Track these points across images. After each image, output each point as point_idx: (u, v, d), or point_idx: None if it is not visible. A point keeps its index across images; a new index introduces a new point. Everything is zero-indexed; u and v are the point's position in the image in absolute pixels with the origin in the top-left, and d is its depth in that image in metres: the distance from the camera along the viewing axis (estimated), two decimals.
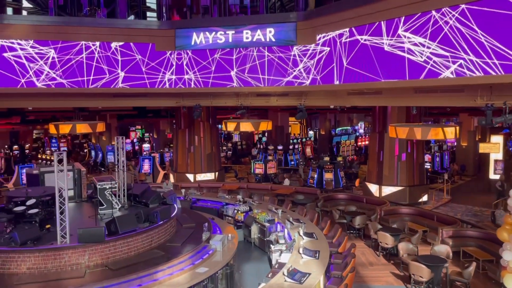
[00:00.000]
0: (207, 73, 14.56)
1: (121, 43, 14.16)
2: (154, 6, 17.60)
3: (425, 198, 16.92)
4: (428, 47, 9.46)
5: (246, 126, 15.52)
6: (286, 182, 18.89)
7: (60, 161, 8.08)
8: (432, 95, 10.97)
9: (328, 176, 18.88)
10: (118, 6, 17.45)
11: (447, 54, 9.02)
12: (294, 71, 13.47)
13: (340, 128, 32.87)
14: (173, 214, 9.78)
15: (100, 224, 9.06)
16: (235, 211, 12.53)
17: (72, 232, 8.03)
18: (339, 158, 23.10)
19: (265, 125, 15.64)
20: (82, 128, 15.32)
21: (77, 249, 7.78)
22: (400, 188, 16.60)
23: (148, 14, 19.78)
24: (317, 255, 8.58)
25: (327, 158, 23.20)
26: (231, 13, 18.41)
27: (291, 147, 26.38)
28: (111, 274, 7.53)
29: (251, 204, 12.80)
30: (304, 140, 30.05)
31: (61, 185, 8.03)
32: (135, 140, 32.18)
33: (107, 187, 10.36)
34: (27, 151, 29.92)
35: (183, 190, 14.61)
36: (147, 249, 8.62)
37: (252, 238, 11.64)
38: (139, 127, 36.98)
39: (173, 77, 14.57)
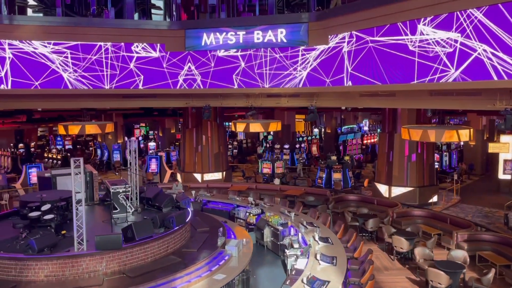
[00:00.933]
0: (216, 73, 14.46)
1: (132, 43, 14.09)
2: (161, 5, 17.38)
3: (435, 198, 16.84)
4: (447, 48, 9.35)
5: (256, 127, 15.38)
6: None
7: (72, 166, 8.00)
8: (448, 98, 10.86)
9: (337, 176, 18.79)
10: (126, 5, 17.32)
11: (468, 56, 8.91)
12: (304, 71, 13.36)
13: (346, 126, 32.74)
14: (188, 219, 9.71)
15: (115, 229, 9.02)
16: (247, 213, 12.47)
17: (88, 237, 7.98)
18: (346, 158, 22.98)
19: (275, 126, 15.51)
20: (92, 129, 15.23)
21: (95, 256, 7.72)
22: (410, 188, 16.52)
23: (154, 11, 19.60)
24: (335, 261, 8.51)
25: (334, 158, 23.08)
26: (239, 12, 18.27)
27: (297, 146, 26.27)
28: (129, 282, 7.47)
29: (263, 207, 12.73)
30: (310, 138, 29.95)
31: (77, 190, 7.96)
32: (140, 138, 32.13)
33: (121, 191, 10.31)
34: (32, 149, 29.89)
35: (193, 192, 14.54)
36: (163, 255, 8.56)
37: (264, 242, 11.57)
38: (143, 125, 36.91)
39: (182, 78, 14.49)
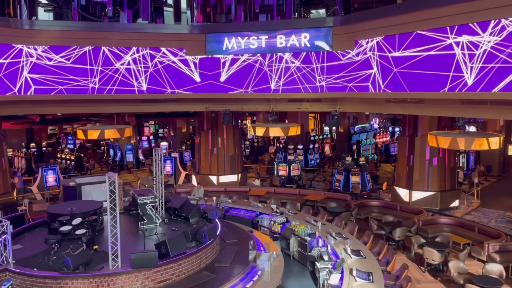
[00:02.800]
0: (237, 78, 14.27)
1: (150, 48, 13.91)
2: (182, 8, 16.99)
3: (456, 203, 16.63)
4: (483, 58, 9.11)
5: (275, 131, 15.21)
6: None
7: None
8: (480, 107, 10.62)
9: (355, 179, 18.61)
10: (141, 6, 17.11)
11: (504, 65, 8.68)
12: (328, 77, 13.15)
13: (359, 126, 32.46)
14: (218, 231, 9.58)
15: (145, 243, 8.89)
16: (272, 222, 12.32)
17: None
18: (362, 159, 22.74)
19: (295, 130, 15.32)
20: (111, 133, 15.10)
21: (130, 274, 7.61)
22: (431, 193, 16.32)
23: (166, 9, 19.21)
24: (371, 277, 8.36)
25: (349, 159, 22.89)
26: (256, 13, 18.01)
27: (311, 146, 26.06)
28: None
29: (287, 215, 12.58)
30: (322, 137, 29.71)
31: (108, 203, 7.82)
32: (151, 137, 32.01)
33: (148, 202, 10.19)
34: (43, 148, 29.84)
35: (214, 198, 14.41)
36: (197, 271, 8.45)
37: (291, 251, 11.43)
38: (152, 122, 36.76)
39: (203, 82, 14.32)
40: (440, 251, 10.38)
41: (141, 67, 13.90)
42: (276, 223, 12.15)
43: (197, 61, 14.21)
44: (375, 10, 11.71)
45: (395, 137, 33.93)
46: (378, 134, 32.15)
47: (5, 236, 7.82)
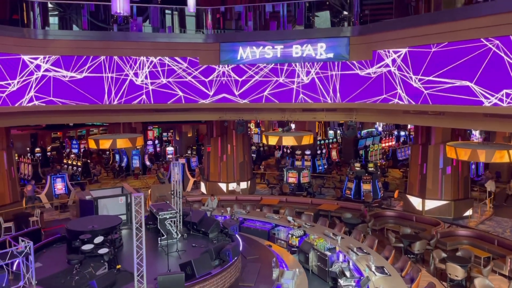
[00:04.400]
0: (251, 87, 14.13)
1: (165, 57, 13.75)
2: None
3: (469, 212, 16.53)
4: None
5: (288, 140, 15.07)
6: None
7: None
8: (504, 121, 10.48)
9: (366, 187, 18.47)
10: (151, 13, 16.94)
11: None
12: (344, 86, 13.01)
13: (365, 130, 32.35)
14: (241, 248, 9.44)
15: (165, 259, 8.73)
16: (289, 235, 12.17)
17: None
18: (370, 165, 22.61)
19: (308, 139, 15.19)
20: (123, 143, 14.93)
21: None
22: (444, 202, 16.20)
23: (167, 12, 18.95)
24: None
25: (357, 165, 22.77)
26: (266, 20, 17.84)
27: (318, 151, 25.92)
28: None
29: (304, 227, 12.44)
30: (328, 141, 29.59)
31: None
32: (156, 141, 31.83)
33: (168, 217, 10.05)
34: (48, 153, 29.63)
35: (228, 209, 14.26)
36: None
37: (310, 266, 11.27)
38: (156, 126, 36.58)
39: (214, 92, 14.17)
40: (463, 266, 10.25)
41: (160, 72, 13.75)
42: (294, 236, 12.00)
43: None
44: (396, 20, 11.59)
45: (401, 141, 33.88)
46: (383, 139, 32.05)
47: (27, 256, 7.65)
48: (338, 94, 13.25)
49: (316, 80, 13.54)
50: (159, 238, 9.93)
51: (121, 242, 9.81)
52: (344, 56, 13.06)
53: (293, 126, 26.89)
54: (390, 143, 32.56)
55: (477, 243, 12.41)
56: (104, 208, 11.29)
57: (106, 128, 35.68)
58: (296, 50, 13.43)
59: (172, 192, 10.96)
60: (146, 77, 13.67)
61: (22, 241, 7.63)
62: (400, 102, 11.57)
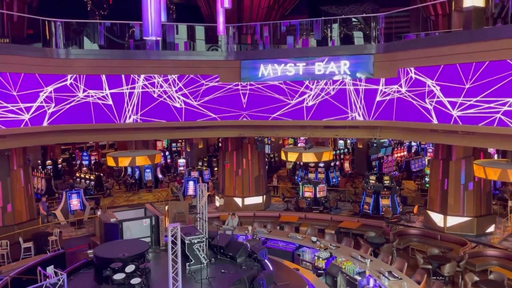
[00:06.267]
0: (272, 105, 13.99)
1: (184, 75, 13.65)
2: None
3: (491, 228, 16.27)
4: None
5: (308, 157, 14.89)
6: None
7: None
8: None
9: (385, 202, 18.21)
10: (167, 30, 16.87)
11: None
12: (368, 104, 12.84)
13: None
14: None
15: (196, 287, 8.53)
16: (315, 257, 11.95)
17: None
18: (386, 178, 22.35)
19: (328, 155, 15.00)
20: (142, 160, 14.80)
21: None
22: (467, 218, 15.95)
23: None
24: None
25: (373, 177, 22.53)
26: (282, 34, 17.74)
27: (332, 163, 25.68)
28: None
29: (330, 249, 12.22)
30: (340, 152, 29.36)
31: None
32: (166, 153, 31.65)
33: (195, 242, 9.85)
34: (59, 166, 29.51)
35: (249, 228, 14.06)
36: None
37: None
38: None
39: (238, 111, 14.03)
40: None
41: (188, 94, 13.63)
42: (321, 259, 11.78)
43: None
44: (422, 39, 11.44)
45: (413, 151, 33.58)
46: (395, 149, 31.77)
47: None
48: (362, 111, 13.07)
49: (338, 97, 13.37)
50: (187, 264, 9.72)
51: (149, 268, 9.61)
52: (368, 74, 12.90)
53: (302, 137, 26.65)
54: (402, 153, 32.27)
55: (506, 264, 12.14)
56: (127, 230, 11.10)
57: (114, 141, 35.57)
58: (319, 67, 13.28)
59: (198, 215, 10.77)
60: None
61: (55, 272, 7.47)
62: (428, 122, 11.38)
